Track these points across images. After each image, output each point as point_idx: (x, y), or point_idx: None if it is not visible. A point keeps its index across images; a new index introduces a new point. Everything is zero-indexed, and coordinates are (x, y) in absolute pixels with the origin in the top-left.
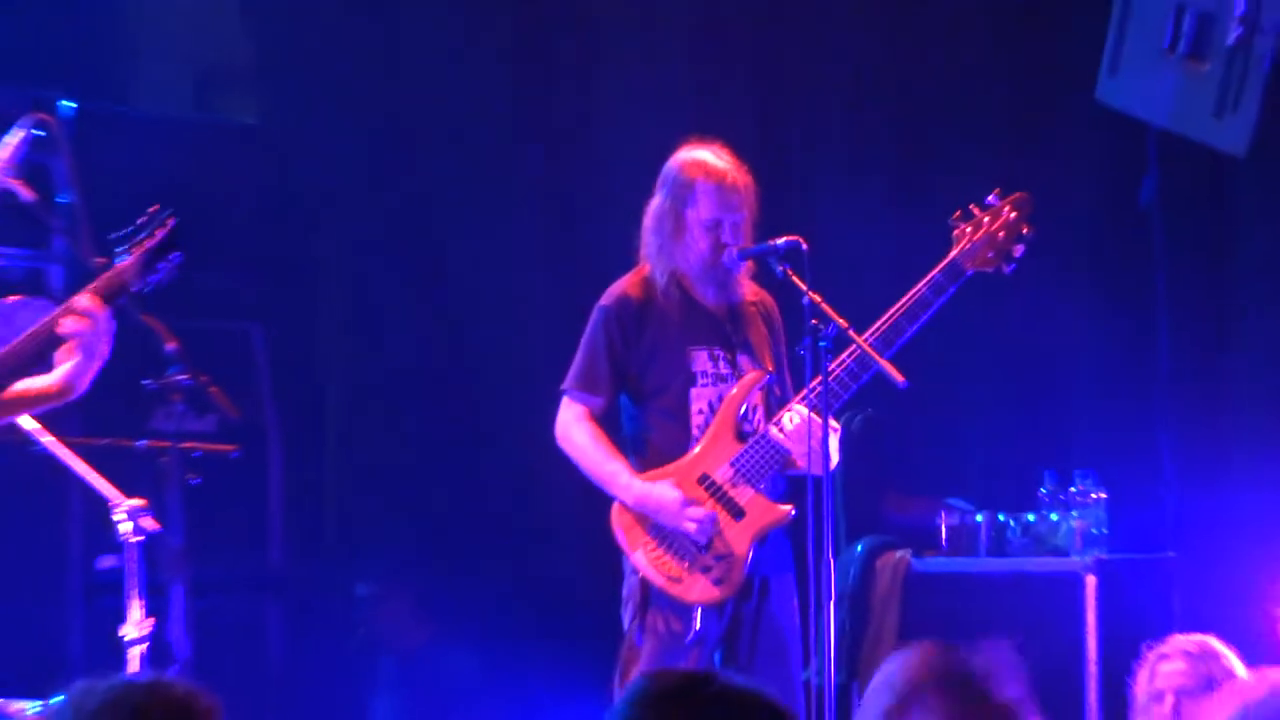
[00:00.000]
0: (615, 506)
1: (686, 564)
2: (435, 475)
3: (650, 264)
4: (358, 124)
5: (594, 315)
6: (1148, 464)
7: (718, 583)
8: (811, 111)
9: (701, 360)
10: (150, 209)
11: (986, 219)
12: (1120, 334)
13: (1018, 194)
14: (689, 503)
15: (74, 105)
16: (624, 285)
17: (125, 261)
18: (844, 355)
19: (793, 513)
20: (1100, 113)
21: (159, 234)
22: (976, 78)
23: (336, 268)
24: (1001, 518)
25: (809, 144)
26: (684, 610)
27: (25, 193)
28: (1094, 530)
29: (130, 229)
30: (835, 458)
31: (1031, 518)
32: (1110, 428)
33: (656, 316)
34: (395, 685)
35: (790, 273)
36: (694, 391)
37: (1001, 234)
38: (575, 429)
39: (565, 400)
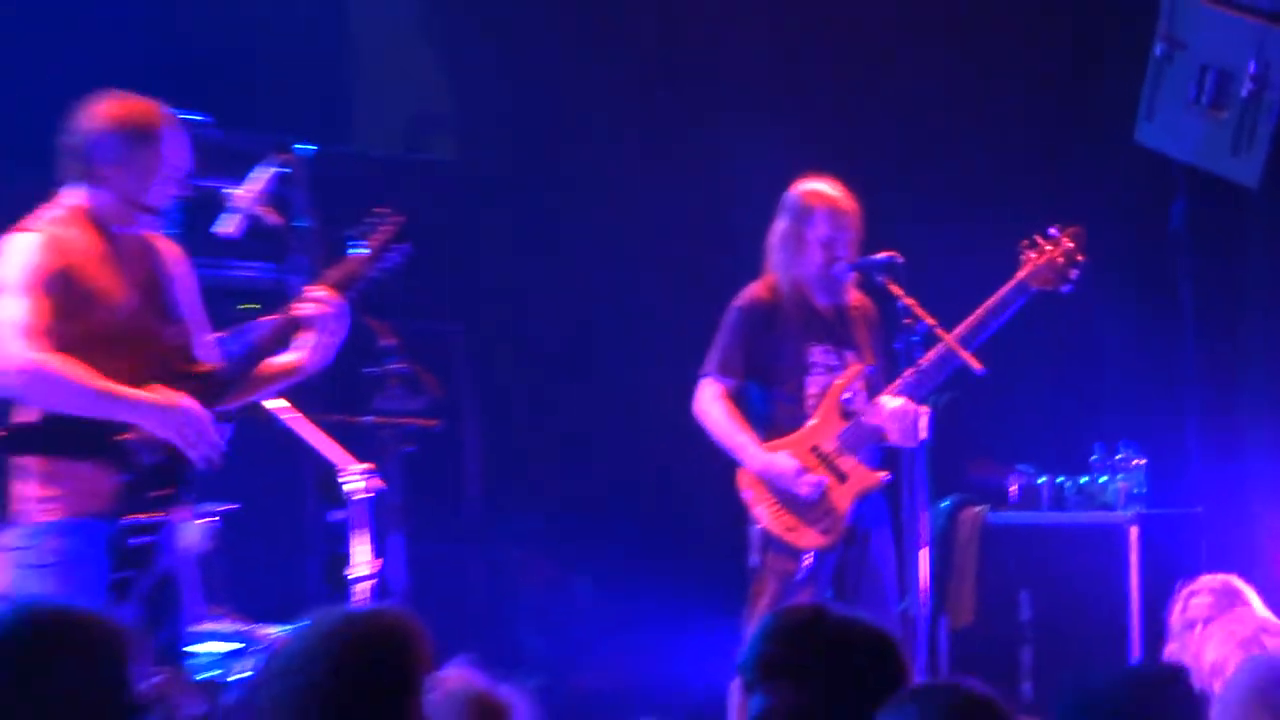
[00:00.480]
0: (741, 470)
1: (800, 517)
2: (596, 446)
3: (777, 274)
4: (535, 160)
5: (730, 314)
6: (1178, 437)
7: (824, 532)
8: (896, 144)
9: (816, 354)
10: (380, 210)
11: (1049, 247)
12: (1156, 332)
13: (1074, 228)
14: (802, 470)
15: (310, 147)
16: (755, 290)
17: (361, 253)
18: (933, 351)
19: (887, 477)
20: (1139, 151)
21: (388, 230)
22: (1039, 119)
23: (519, 278)
24: (1060, 480)
25: (894, 174)
26: (798, 554)
27: (272, 218)
28: (1135, 490)
29: (364, 226)
30: (925, 433)
31: (1084, 479)
32: (1148, 408)
33: (781, 317)
34: (564, 618)
35: (889, 282)
36: (809, 379)
37: (1060, 260)
38: (713, 405)
39: (705, 381)
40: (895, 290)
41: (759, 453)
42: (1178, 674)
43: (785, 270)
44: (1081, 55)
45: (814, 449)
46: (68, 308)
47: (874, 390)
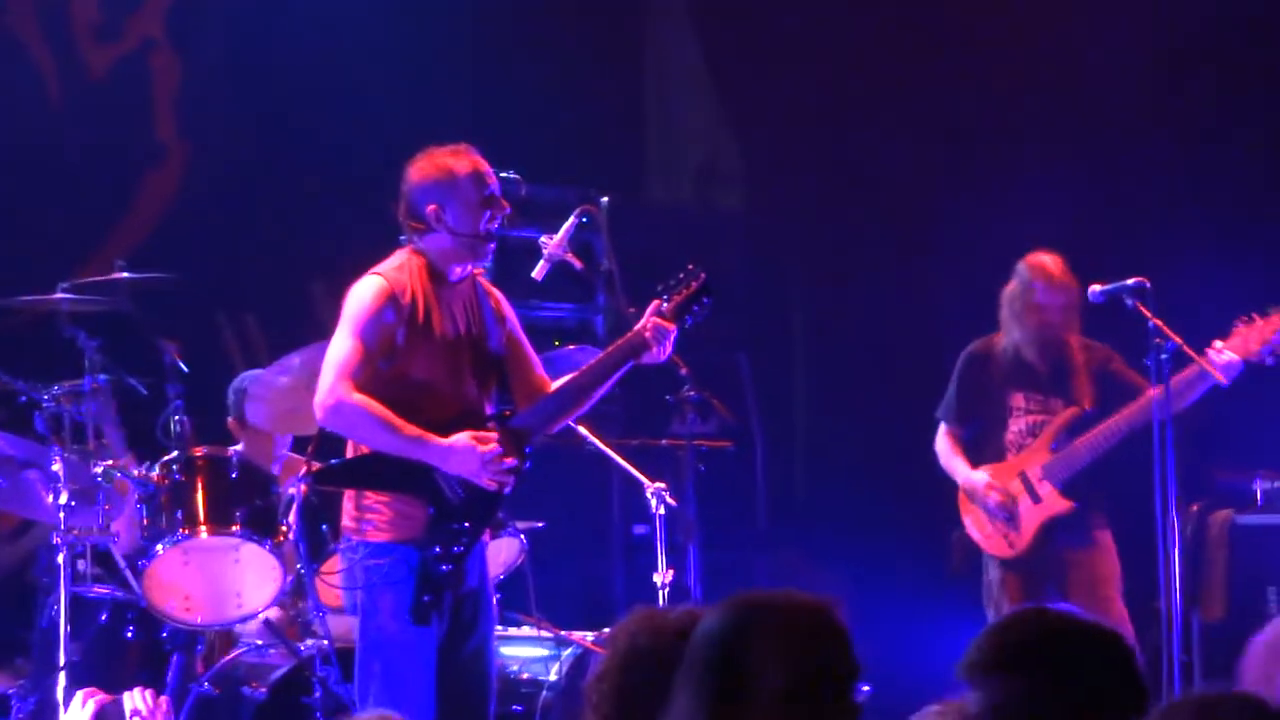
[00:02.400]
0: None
1: (993, 528)
2: (870, 464)
3: (1003, 329)
4: (813, 207)
5: (958, 362)
6: None
7: (1010, 545)
8: (1150, 187)
9: (1018, 400)
10: (688, 266)
11: (1260, 322)
12: None
13: None
14: (993, 486)
15: (608, 199)
16: (977, 344)
17: (665, 306)
18: (1186, 371)
19: (1074, 506)
20: None
21: (694, 285)
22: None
23: (800, 313)
24: None
25: (1148, 212)
26: (988, 559)
27: (576, 263)
28: None
29: (672, 281)
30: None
31: None
32: None
33: (991, 368)
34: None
35: (1138, 304)
36: (1010, 421)
37: (1272, 335)
38: (940, 443)
39: (940, 427)
40: (1144, 312)
41: (965, 471)
42: None
43: (1006, 326)
44: None
45: (1021, 473)
46: (391, 352)
47: (1082, 430)
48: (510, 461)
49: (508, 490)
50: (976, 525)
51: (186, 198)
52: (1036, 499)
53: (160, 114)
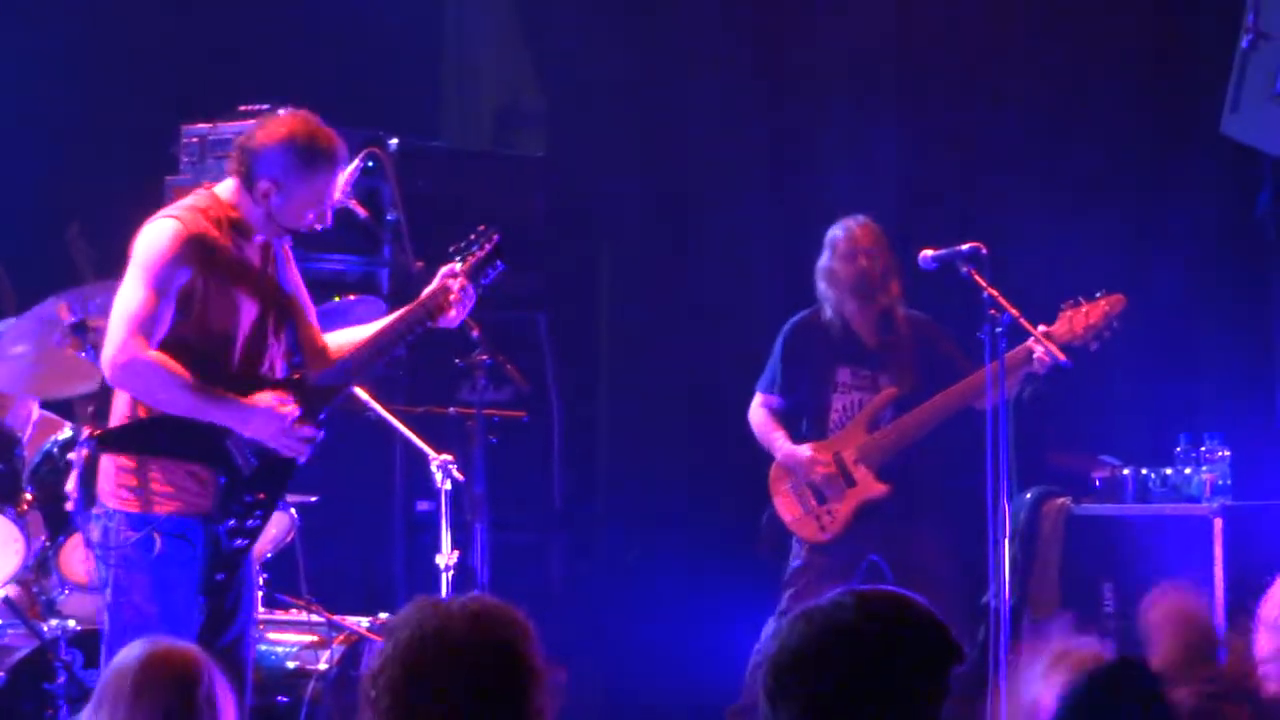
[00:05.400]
0: (774, 464)
1: (806, 510)
2: (678, 437)
3: (822, 301)
4: (626, 154)
5: (779, 336)
6: (1265, 427)
7: (822, 529)
8: (997, 139)
9: (844, 375)
10: (480, 228)
11: (1086, 308)
12: (1243, 322)
13: (1118, 295)
14: (816, 461)
15: (397, 141)
16: (804, 314)
17: (458, 269)
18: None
19: (886, 490)
20: (1225, 142)
21: (486, 248)
22: (1130, 112)
23: (606, 269)
24: (1144, 471)
25: (993, 171)
26: (798, 543)
27: (360, 210)
28: (1220, 481)
29: (463, 243)
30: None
31: (1169, 471)
32: (1234, 398)
33: (818, 339)
34: (645, 607)
35: (973, 273)
36: (834, 397)
37: (1094, 322)
38: (755, 414)
39: (757, 395)
40: (979, 281)
41: (786, 444)
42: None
43: (824, 298)
44: (1171, 48)
45: (836, 454)
46: (186, 307)
47: (907, 408)
48: (307, 430)
49: (303, 460)
50: (787, 506)
51: None
52: (851, 482)
53: None
